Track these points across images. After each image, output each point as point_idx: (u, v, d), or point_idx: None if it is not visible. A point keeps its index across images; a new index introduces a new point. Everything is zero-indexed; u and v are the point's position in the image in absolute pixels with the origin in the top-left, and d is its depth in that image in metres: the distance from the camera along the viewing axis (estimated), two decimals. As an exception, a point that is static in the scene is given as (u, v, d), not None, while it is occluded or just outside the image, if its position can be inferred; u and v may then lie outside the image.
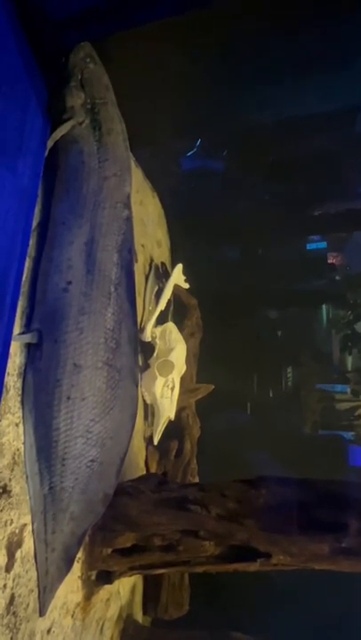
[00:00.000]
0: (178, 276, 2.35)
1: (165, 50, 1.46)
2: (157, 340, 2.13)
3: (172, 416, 2.13)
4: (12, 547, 1.14)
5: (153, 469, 2.07)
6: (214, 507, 1.43)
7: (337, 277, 3.45)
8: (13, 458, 1.15)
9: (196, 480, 2.18)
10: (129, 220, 1.36)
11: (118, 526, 1.44)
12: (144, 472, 2.02)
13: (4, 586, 1.11)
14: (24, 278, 1.22)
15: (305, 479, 1.45)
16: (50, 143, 1.30)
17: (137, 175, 2.10)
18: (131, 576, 1.57)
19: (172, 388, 2.11)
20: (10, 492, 1.13)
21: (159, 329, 2.15)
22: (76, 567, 1.38)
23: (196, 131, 2.15)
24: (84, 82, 1.37)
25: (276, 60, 1.51)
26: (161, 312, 2.20)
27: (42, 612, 1.21)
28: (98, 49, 1.39)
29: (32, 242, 1.27)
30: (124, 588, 1.78)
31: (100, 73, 1.40)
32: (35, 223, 1.28)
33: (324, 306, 3.64)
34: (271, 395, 3.14)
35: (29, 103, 1.25)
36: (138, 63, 1.50)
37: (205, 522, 1.40)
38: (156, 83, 1.55)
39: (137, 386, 1.33)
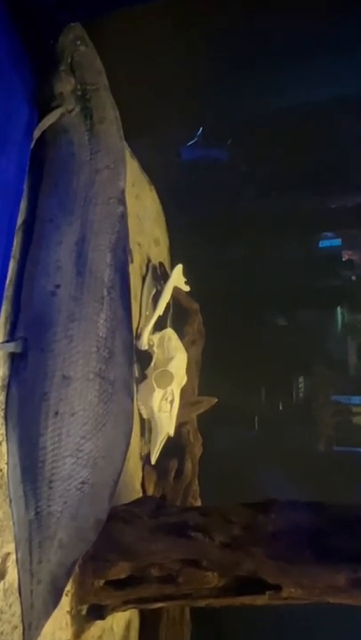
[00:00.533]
0: (178, 278, 2.35)
1: (163, 30, 1.48)
2: (155, 349, 2.13)
3: (172, 432, 2.13)
4: (-6, 578, 1.13)
5: (150, 492, 2.07)
6: (218, 533, 1.43)
7: (353, 277, 3.45)
8: (-5, 479, 1.15)
9: (198, 503, 2.18)
10: (123, 216, 1.37)
11: (112, 555, 1.44)
12: (140, 495, 2.02)
13: (-15, 622, 1.11)
14: (7, 281, 1.22)
15: (319, 502, 1.45)
16: (36, 133, 1.32)
17: (133, 167, 2.12)
18: (125, 610, 1.57)
19: (172, 402, 2.11)
20: (-9, 517, 1.13)
21: (157, 336, 2.15)
22: (65, 601, 1.37)
23: (197, 118, 2.16)
24: (75, 66, 1.38)
25: (284, 40, 1.53)
26: (159, 317, 2.20)
27: (27, 652, 1.21)
28: (89, 30, 1.41)
29: (16, 241, 1.28)
30: (118, 624, 1.77)
31: (92, 56, 1.42)
32: (19, 221, 1.28)
33: (338, 309, 3.64)
34: (281, 408, 3.14)
35: (14, 90, 1.27)
36: (133, 45, 1.51)
37: (208, 550, 1.40)
38: (153, 66, 1.57)
39: (132, 399, 1.33)
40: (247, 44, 1.57)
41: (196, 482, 2.24)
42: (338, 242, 3.66)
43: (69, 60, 1.38)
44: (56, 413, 1.20)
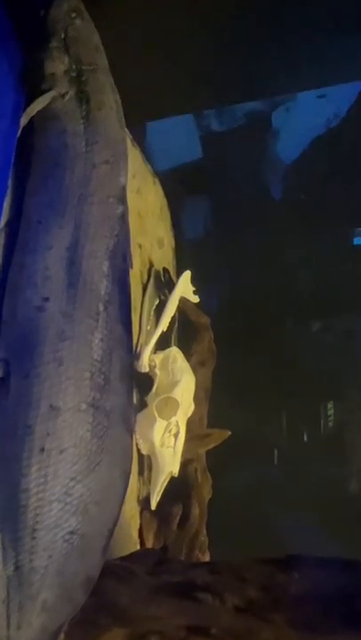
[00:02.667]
0: (185, 287, 2.37)
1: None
2: (157, 371, 2.15)
3: (176, 471, 2.14)
4: (-34, 646, 1.15)
5: (149, 542, 2.08)
6: (231, 595, 1.43)
7: None
8: (-31, 528, 1.17)
9: (207, 558, 2.18)
10: (124, 218, 1.40)
11: (104, 619, 1.45)
12: (137, 545, 2.03)
13: None
14: (-13, 293, 1.25)
15: (350, 560, 1.46)
16: (24, 120, 1.35)
17: (134, 157, 2.16)
18: None
19: (176, 435, 2.13)
20: (-36, 572, 1.15)
21: (160, 356, 2.17)
22: (48, 674, 1.39)
23: (208, 101, 2.21)
24: (69, 42, 1.42)
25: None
26: (163, 333, 2.23)
27: None
28: (86, 1, 1.45)
29: (-2, 245, 1.31)
30: None
31: (89, 31, 1.46)
32: (3, 222, 1.32)
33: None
34: (305, 439, 3.13)
35: (-1, 71, 1.30)
36: (136, 19, 1.55)
37: (219, 616, 1.41)
38: (159, 43, 1.61)
39: (131, 434, 1.35)
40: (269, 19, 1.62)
41: (204, 531, 2.24)
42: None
43: (63, 36, 1.42)
44: (42, 450, 1.21)
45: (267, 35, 1.67)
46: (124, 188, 1.42)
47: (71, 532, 1.25)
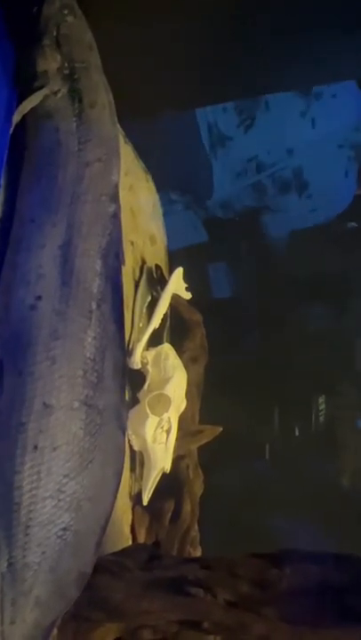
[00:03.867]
0: (177, 283, 2.38)
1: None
2: (149, 368, 2.15)
3: (168, 467, 2.15)
4: None
5: (141, 538, 2.10)
6: (222, 590, 1.45)
7: None
8: None
9: (199, 553, 2.20)
10: (116, 216, 1.40)
11: (96, 614, 1.46)
12: (129, 542, 2.04)
13: None
14: (-20, 291, 1.25)
15: (343, 554, 1.48)
16: (16, 118, 1.35)
17: (126, 153, 2.16)
18: None
19: (168, 431, 2.14)
20: None
21: (152, 352, 2.18)
22: (41, 669, 1.40)
23: (205, 97, 2.22)
24: (61, 40, 1.42)
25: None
26: (155, 330, 2.24)
27: None
28: (79, -2, 1.45)
29: (-9, 244, 1.31)
30: None
31: (82, 28, 1.46)
32: (-5, 220, 1.32)
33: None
34: (297, 433, 3.14)
35: (-9, 69, 1.30)
36: (130, 15, 1.56)
37: (211, 610, 1.43)
38: (154, 40, 1.61)
39: (124, 432, 1.36)
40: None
41: (196, 526, 2.26)
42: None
43: (55, 33, 1.42)
44: (35, 447, 1.22)
45: (262, 34, 1.67)
46: (116, 186, 1.43)
47: (64, 529, 1.26)
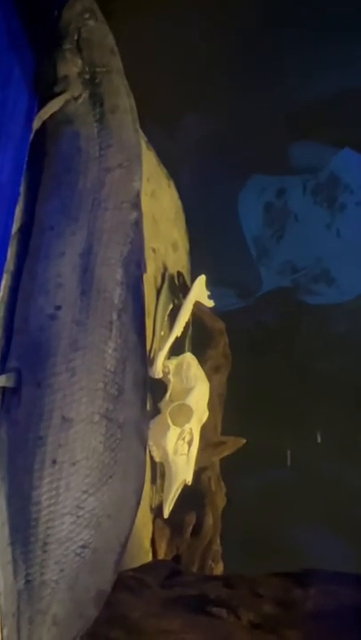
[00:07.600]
0: (200, 291, 2.36)
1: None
2: (171, 377, 2.13)
3: (189, 479, 2.12)
4: (-25, 661, 1.14)
5: (162, 552, 2.07)
6: (245, 610, 1.41)
7: None
8: (-21, 541, 1.17)
9: (220, 568, 2.16)
10: (138, 224, 1.39)
11: (115, 633, 1.44)
12: (149, 555, 2.01)
13: None
14: (-1, 299, 1.24)
15: (371, 574, 1.44)
16: (36, 123, 1.35)
17: (149, 159, 2.14)
18: None
19: (190, 442, 2.11)
20: (-26, 587, 1.14)
21: (173, 362, 2.15)
22: None
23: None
24: (82, 44, 1.42)
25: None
26: (177, 339, 2.21)
27: None
28: (100, 1, 1.44)
29: (11, 252, 1.30)
30: None
31: (103, 32, 1.45)
32: (15, 228, 1.31)
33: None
34: (319, 440, 3.10)
35: (11, 74, 1.31)
36: (152, 19, 1.54)
37: (233, 632, 1.39)
38: (176, 44, 1.60)
39: (145, 447, 1.34)
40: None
41: (218, 541, 2.22)
42: None
43: (76, 37, 1.42)
44: (53, 462, 1.21)
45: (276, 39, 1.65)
46: (138, 193, 1.41)
47: (83, 546, 1.24)
